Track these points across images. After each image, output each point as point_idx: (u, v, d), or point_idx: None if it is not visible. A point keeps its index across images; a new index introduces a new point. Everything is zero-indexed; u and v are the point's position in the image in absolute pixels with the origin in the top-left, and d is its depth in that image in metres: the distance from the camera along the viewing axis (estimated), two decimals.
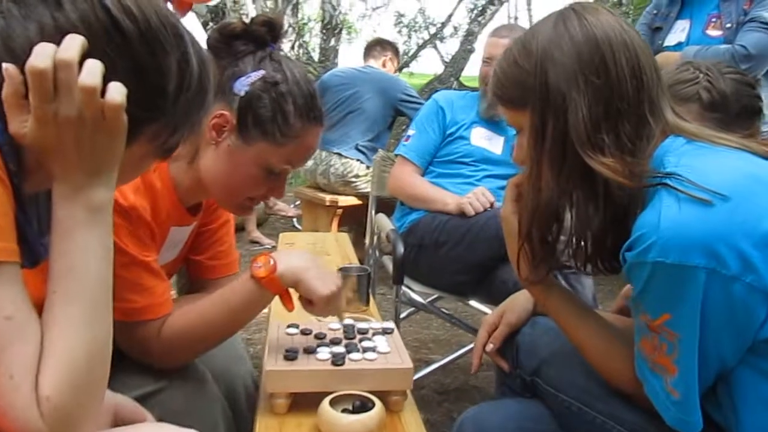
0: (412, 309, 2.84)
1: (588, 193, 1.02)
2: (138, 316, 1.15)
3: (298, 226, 4.82)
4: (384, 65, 4.17)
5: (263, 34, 1.22)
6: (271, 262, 1.18)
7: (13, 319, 0.68)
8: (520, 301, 1.33)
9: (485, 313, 2.89)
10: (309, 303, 1.24)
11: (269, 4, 8.32)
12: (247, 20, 1.25)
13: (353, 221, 4.11)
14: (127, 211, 1.12)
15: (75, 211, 0.73)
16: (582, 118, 0.96)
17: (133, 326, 1.14)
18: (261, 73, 1.19)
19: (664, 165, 0.94)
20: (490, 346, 1.32)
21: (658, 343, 0.92)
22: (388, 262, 2.61)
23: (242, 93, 1.18)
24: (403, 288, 2.25)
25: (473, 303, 2.44)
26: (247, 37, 1.22)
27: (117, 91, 0.71)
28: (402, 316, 2.56)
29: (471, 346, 2.55)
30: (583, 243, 1.08)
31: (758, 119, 1.54)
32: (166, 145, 0.82)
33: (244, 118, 1.18)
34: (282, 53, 1.28)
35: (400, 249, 2.15)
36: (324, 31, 8.94)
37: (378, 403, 1.13)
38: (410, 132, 2.57)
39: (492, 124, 2.52)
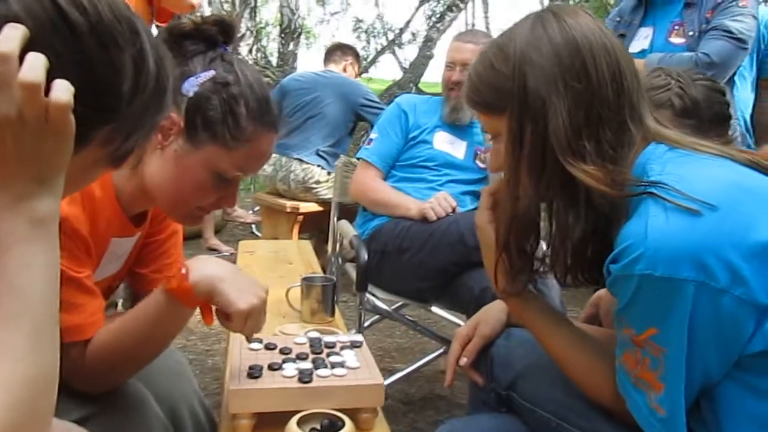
0: (376, 317, 2.80)
1: (568, 202, 0.98)
2: (65, 337, 1.02)
3: (257, 233, 4.73)
4: (345, 70, 4.13)
5: (214, 34, 1.17)
6: (183, 271, 1.07)
7: None
8: (494, 312, 1.29)
9: (449, 321, 2.87)
10: (226, 318, 1.12)
11: (226, 7, 8.19)
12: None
13: (314, 228, 4.04)
14: (59, 223, 1.02)
15: (16, 224, 0.65)
16: (562, 124, 0.93)
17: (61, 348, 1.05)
18: (211, 73, 1.13)
19: (647, 173, 0.91)
20: (463, 360, 1.27)
21: (641, 357, 0.88)
22: (351, 269, 2.56)
23: (190, 93, 1.11)
24: (367, 295, 2.20)
25: (435, 310, 2.42)
26: (197, 36, 1.16)
27: (63, 90, 0.63)
28: (365, 324, 2.51)
29: (435, 354, 2.51)
30: (562, 253, 1.03)
31: (729, 126, 1.54)
32: (119, 152, 0.75)
33: (193, 120, 1.12)
34: (239, 56, 1.22)
35: (364, 256, 2.10)
36: (282, 35, 8.84)
37: (348, 422, 1.07)
38: (372, 135, 2.53)
39: (455, 128, 2.50)
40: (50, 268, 0.69)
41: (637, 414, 0.92)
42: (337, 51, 4.23)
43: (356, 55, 4.33)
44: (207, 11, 7.37)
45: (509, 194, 1.01)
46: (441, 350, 2.46)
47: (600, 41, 0.96)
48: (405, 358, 2.96)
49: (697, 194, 0.83)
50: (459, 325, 2.77)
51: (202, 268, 1.09)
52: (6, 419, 0.61)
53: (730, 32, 2.28)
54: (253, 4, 8.58)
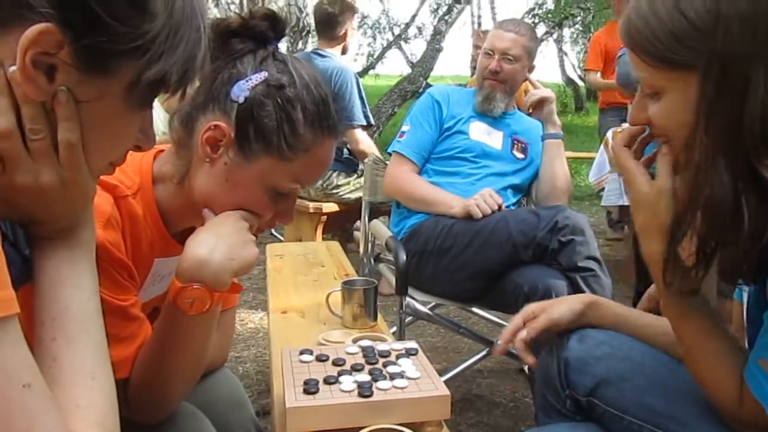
0: (409, 318, 2.73)
1: (760, 193, 0.81)
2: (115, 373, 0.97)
3: (278, 235, 4.66)
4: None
5: (264, 30, 1.04)
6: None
7: (33, 387, 0.57)
8: (569, 301, 1.19)
9: (489, 321, 2.78)
10: None
11: (233, 8, 8.12)
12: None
13: (336, 228, 3.97)
14: (97, 251, 0.92)
15: (63, 250, 0.71)
16: (760, 107, 0.78)
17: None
18: (263, 75, 1.01)
19: None
20: (523, 334, 1.16)
21: None
22: (386, 270, 2.48)
23: (241, 99, 1.00)
24: (407, 299, 2.11)
25: (476, 310, 2.34)
26: (245, 33, 1.03)
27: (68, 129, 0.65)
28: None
29: (479, 356, 2.42)
30: (751, 251, 0.84)
31: None
32: (143, 82, 0.66)
33: (244, 129, 1.00)
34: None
35: (403, 258, 2.01)
36: (291, 34, 8.76)
37: None
38: (404, 128, 2.43)
39: (489, 118, 2.42)
40: (95, 286, 0.74)
41: None
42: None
43: (350, 11, 3.74)
44: (214, 12, 7.28)
45: (696, 178, 0.83)
46: (484, 352, 2.37)
47: None
48: (439, 358, 2.90)
49: None
50: (501, 325, 2.71)
51: (193, 248, 0.99)
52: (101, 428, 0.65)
53: None
54: (260, 4, 8.51)
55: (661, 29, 0.83)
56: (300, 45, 8.77)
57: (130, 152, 1.09)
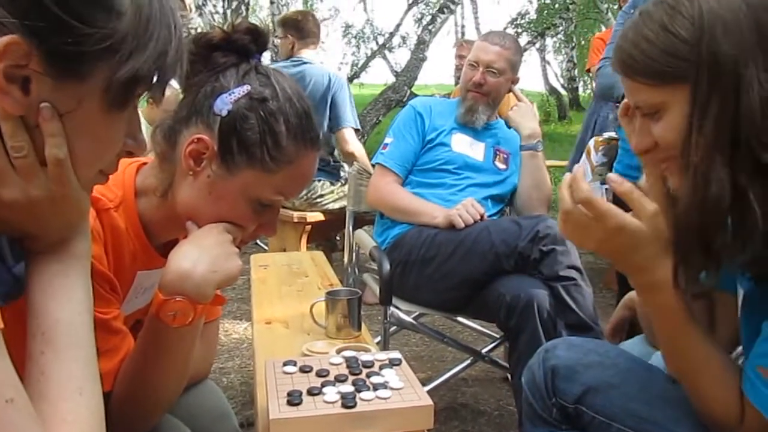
0: (394, 327, 2.73)
1: (764, 189, 0.84)
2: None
3: (262, 245, 4.65)
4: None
5: (247, 44, 1.05)
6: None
7: (15, 402, 0.57)
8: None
9: (474, 329, 2.80)
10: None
11: (217, 18, 8.11)
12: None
13: (320, 238, 3.96)
14: None
15: (55, 263, 0.70)
16: (758, 99, 0.82)
17: None
18: (246, 88, 1.01)
19: None
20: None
21: None
22: (370, 280, 2.49)
23: (224, 113, 1.00)
24: (391, 308, 2.12)
25: (460, 319, 2.35)
26: (228, 47, 1.04)
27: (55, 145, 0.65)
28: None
29: (463, 364, 2.43)
30: (757, 250, 0.86)
31: None
32: (118, 80, 0.65)
33: (227, 142, 1.01)
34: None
35: (387, 267, 2.02)
36: (275, 43, 8.77)
37: None
38: (387, 140, 2.45)
39: (471, 129, 2.44)
40: (88, 300, 0.73)
41: None
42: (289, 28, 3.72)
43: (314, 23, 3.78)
44: (198, 22, 7.28)
45: (694, 178, 0.86)
46: (468, 360, 2.38)
47: None
48: (424, 367, 2.90)
49: None
50: (485, 334, 2.72)
51: (176, 261, 0.99)
52: None
53: None
54: (244, 13, 8.51)
55: (653, 50, 0.89)
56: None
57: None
